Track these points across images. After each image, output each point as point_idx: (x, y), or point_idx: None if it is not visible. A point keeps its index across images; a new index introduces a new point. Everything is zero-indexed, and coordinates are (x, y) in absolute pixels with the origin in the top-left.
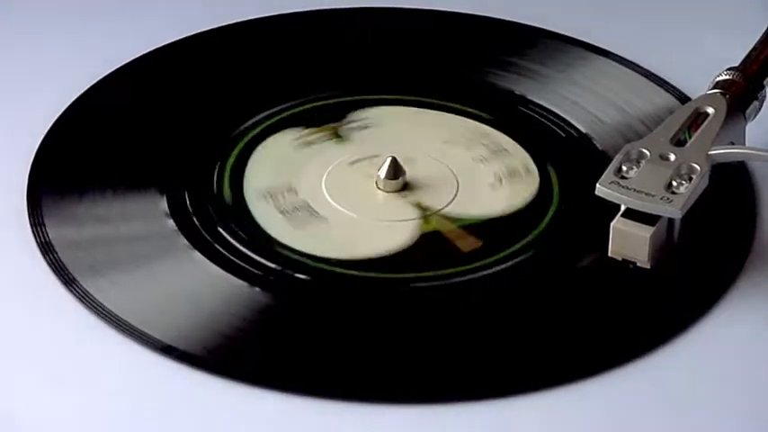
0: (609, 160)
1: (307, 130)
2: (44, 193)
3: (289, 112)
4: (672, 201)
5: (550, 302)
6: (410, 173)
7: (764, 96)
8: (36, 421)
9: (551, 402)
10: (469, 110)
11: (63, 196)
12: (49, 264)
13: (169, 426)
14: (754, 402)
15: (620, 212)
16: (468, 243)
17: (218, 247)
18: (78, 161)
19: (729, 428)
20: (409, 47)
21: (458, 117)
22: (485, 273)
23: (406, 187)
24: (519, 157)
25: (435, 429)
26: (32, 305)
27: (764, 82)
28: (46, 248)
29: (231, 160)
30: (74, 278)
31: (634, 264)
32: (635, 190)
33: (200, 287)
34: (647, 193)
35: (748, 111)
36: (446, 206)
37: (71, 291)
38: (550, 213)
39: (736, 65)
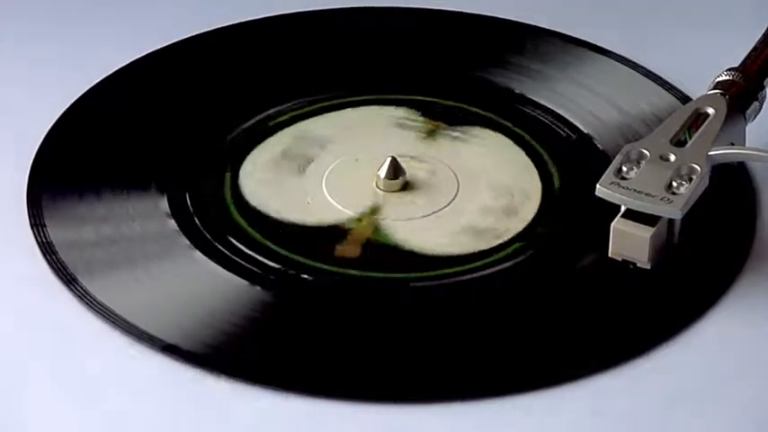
0: (609, 160)
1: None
2: (44, 193)
3: (289, 113)
4: (672, 201)
5: (550, 303)
6: (410, 173)
7: (764, 97)
8: (36, 421)
9: (551, 402)
10: (469, 109)
11: (63, 196)
12: (49, 264)
13: (170, 424)
14: (754, 402)
15: (621, 213)
16: (348, 250)
17: (219, 246)
18: (78, 161)
19: (729, 428)
20: (409, 47)
21: None
22: (485, 273)
23: (406, 187)
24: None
25: (435, 429)
26: (32, 305)
27: (764, 82)
28: (46, 248)
29: (231, 160)
30: (74, 278)
31: (634, 264)
32: (635, 190)
33: (200, 286)
34: (647, 194)
35: (748, 111)
36: (397, 219)
37: (71, 291)
38: (550, 213)
39: (736, 65)
